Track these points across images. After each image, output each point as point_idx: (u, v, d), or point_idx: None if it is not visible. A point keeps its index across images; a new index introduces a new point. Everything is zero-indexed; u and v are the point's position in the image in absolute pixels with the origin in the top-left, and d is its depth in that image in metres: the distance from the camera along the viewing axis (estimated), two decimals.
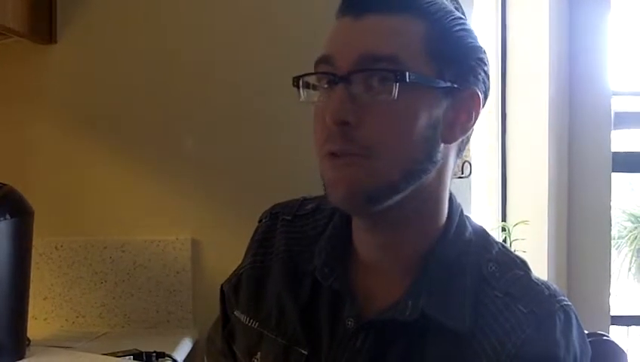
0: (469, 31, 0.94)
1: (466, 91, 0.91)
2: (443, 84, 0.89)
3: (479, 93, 0.92)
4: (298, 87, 0.93)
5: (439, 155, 0.91)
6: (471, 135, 0.97)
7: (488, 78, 0.96)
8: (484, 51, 0.95)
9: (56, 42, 1.88)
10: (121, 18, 1.91)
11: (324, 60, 0.90)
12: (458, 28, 0.92)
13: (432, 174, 0.92)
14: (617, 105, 3.12)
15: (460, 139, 0.94)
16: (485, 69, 0.94)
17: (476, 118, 0.93)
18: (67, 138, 1.90)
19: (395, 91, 0.86)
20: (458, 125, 0.92)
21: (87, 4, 1.89)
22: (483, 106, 0.95)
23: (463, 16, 0.94)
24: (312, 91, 0.93)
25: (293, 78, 0.93)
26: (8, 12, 1.65)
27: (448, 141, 0.92)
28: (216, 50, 1.91)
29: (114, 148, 1.91)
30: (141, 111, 1.91)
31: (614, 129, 2.88)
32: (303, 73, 0.93)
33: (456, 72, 0.90)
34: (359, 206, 0.91)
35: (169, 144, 1.90)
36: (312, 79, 0.93)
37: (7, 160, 1.88)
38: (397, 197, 0.90)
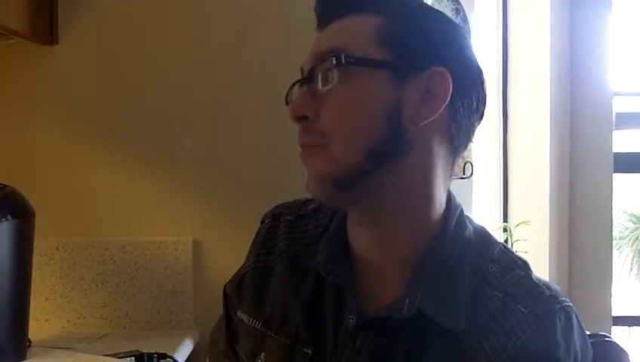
0: (431, 16, 0.96)
1: (430, 71, 0.91)
2: (397, 65, 0.90)
3: (447, 72, 0.91)
4: (287, 104, 0.98)
5: (409, 136, 0.91)
6: (467, 124, 0.95)
7: (468, 61, 0.95)
8: (456, 32, 0.96)
9: (57, 43, 1.88)
10: (122, 19, 1.91)
11: (300, 72, 0.96)
12: (417, 15, 0.94)
13: (413, 162, 0.92)
14: (619, 105, 3.11)
15: (430, 119, 0.91)
16: (458, 50, 0.94)
17: (446, 97, 0.91)
18: (68, 139, 1.90)
19: (336, 77, 0.90)
20: (425, 105, 0.91)
21: (88, 6, 1.90)
22: (479, 94, 0.95)
23: (426, 6, 0.97)
24: None
25: (285, 96, 0.99)
26: (10, 13, 1.65)
27: (416, 120, 0.91)
28: (218, 50, 1.91)
29: (115, 149, 1.91)
30: (142, 111, 1.91)
31: (616, 129, 2.87)
32: (287, 91, 0.99)
33: (415, 54, 0.91)
34: (329, 193, 0.93)
35: (170, 145, 1.90)
36: (295, 91, 0.97)
37: (9, 161, 1.88)
38: (369, 181, 0.91)
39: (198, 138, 1.90)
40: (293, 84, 0.97)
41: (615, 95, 2.91)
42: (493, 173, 2.97)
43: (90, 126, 1.91)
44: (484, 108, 0.98)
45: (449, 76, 0.91)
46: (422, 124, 0.91)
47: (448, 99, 0.91)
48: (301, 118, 0.92)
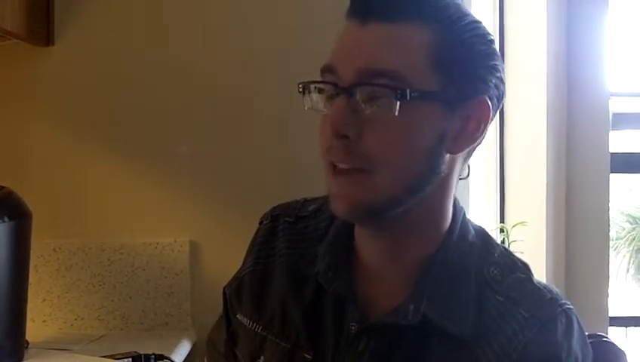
0: (481, 36, 0.91)
1: (474, 100, 0.89)
2: (448, 96, 0.87)
3: (489, 102, 0.90)
4: (303, 94, 0.92)
5: (444, 167, 0.90)
6: (481, 142, 0.95)
7: (503, 83, 0.93)
8: (498, 57, 0.92)
9: (53, 44, 1.88)
10: (119, 20, 1.90)
11: (328, 69, 0.90)
12: (469, 35, 0.90)
13: (436, 186, 0.91)
14: (615, 106, 3.11)
15: (467, 149, 0.92)
16: (498, 75, 0.92)
17: (485, 127, 0.91)
18: (65, 140, 1.90)
19: (396, 108, 0.85)
20: (465, 135, 0.90)
21: (84, 7, 1.89)
22: (495, 112, 0.93)
23: (476, 20, 0.91)
24: (317, 95, 0.92)
25: (298, 84, 0.92)
26: (6, 14, 1.64)
27: (454, 152, 0.91)
28: (216, 52, 1.90)
29: (112, 150, 1.91)
30: (139, 113, 1.90)
31: (612, 130, 2.87)
32: (307, 81, 0.92)
33: (464, 82, 0.88)
34: (361, 219, 0.92)
35: (167, 146, 1.90)
36: (318, 85, 0.92)
37: (5, 162, 1.87)
38: (400, 210, 0.90)
39: (196, 139, 1.90)
40: (319, 82, 0.91)
41: (612, 95, 2.91)
42: (490, 173, 2.96)
43: (87, 127, 1.91)
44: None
45: (490, 105, 0.90)
46: (458, 154, 0.91)
47: (487, 128, 0.91)
48: (341, 137, 0.87)
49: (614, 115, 2.97)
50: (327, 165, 0.90)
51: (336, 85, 0.88)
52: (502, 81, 0.93)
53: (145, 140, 1.90)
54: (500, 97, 0.93)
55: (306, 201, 1.08)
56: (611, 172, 2.82)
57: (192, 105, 1.90)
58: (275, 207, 1.10)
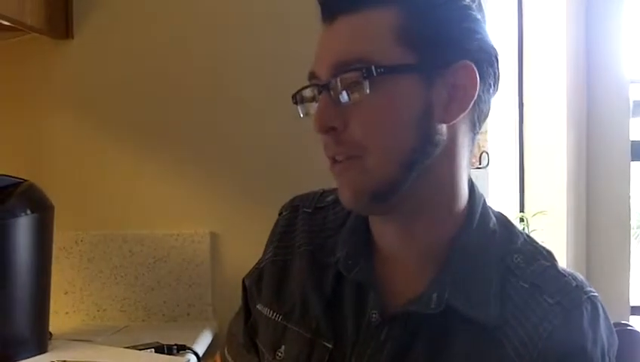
0: (450, 2, 0.91)
1: (455, 67, 0.89)
2: (423, 67, 0.88)
3: (473, 66, 0.89)
4: (297, 104, 0.96)
5: (439, 137, 0.90)
6: (487, 109, 0.94)
7: (490, 46, 0.92)
8: (475, 19, 0.92)
9: (72, 37, 1.89)
10: (137, 13, 1.91)
11: (311, 76, 0.93)
12: (436, 4, 0.90)
13: (440, 157, 0.91)
14: (635, 93, 3.09)
15: (461, 116, 0.91)
16: (478, 37, 0.91)
17: (474, 91, 0.90)
18: (86, 133, 1.91)
19: (367, 88, 0.87)
20: (454, 102, 0.90)
21: (103, 0, 1.90)
22: (489, 78, 0.93)
23: None
24: (309, 103, 0.95)
25: (292, 95, 0.96)
26: (26, 9, 1.66)
27: (447, 121, 0.90)
28: (236, 44, 1.90)
29: (132, 142, 1.92)
30: (159, 105, 1.91)
31: (632, 117, 2.85)
32: (296, 91, 0.95)
33: (437, 51, 0.88)
34: (367, 206, 0.93)
35: (187, 138, 1.91)
36: (307, 92, 0.95)
37: (27, 155, 1.89)
38: (403, 188, 0.90)
39: (215, 131, 1.91)
40: (305, 87, 0.94)
41: (632, 82, 2.89)
42: (510, 162, 2.95)
43: (108, 120, 1.92)
44: (499, 84, 0.96)
45: (474, 69, 0.89)
46: (452, 123, 0.90)
47: (477, 93, 0.90)
48: (329, 130, 0.89)
49: (634, 102, 2.95)
50: (329, 162, 0.93)
51: (317, 85, 0.91)
52: (487, 43, 0.92)
53: (165, 132, 1.91)
54: (491, 61, 0.93)
55: (325, 192, 1.09)
56: (632, 160, 2.80)
57: (212, 99, 1.91)
58: (294, 198, 1.11)
